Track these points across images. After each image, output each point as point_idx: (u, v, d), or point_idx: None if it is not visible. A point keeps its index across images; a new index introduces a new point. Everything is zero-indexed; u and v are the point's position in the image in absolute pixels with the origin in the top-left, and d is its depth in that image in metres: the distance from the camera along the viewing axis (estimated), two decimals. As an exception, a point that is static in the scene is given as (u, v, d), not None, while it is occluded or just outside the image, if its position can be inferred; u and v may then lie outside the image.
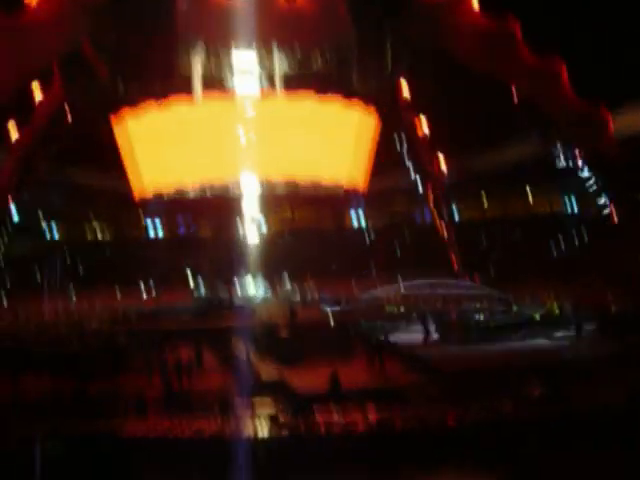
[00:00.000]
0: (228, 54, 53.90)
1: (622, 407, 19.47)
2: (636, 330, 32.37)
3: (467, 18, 48.88)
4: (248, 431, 19.00)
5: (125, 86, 52.70)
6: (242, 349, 33.49)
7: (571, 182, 64.91)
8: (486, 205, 77.61)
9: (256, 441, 18.66)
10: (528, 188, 73.51)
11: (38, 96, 54.10)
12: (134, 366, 28.51)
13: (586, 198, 68.76)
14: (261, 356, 32.17)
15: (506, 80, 49.85)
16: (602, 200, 59.80)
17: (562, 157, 52.91)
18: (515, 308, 41.24)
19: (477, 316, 38.71)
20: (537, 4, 52.63)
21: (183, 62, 53.18)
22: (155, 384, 26.44)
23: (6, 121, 52.98)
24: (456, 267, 61.64)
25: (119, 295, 57.49)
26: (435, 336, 35.59)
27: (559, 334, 34.69)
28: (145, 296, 57.45)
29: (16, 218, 59.99)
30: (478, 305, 42.55)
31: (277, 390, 26.03)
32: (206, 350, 32.50)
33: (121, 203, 62.20)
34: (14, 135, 54.62)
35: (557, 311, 39.17)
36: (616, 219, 51.82)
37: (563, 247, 64.91)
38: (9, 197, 57.29)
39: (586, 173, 53.10)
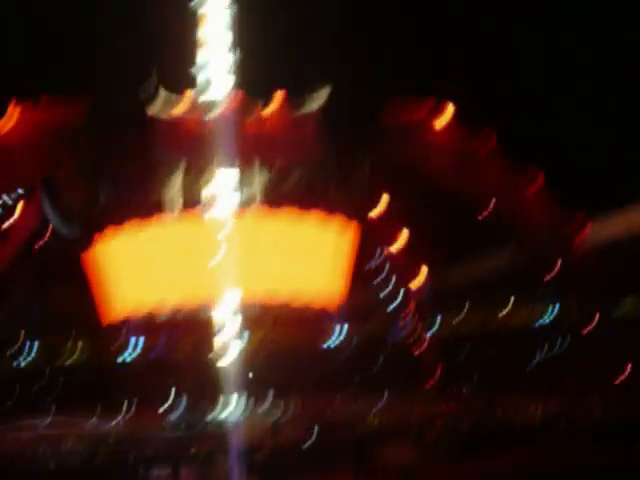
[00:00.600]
0: (206, 174, 54.58)
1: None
2: (622, 438, 32.20)
3: (437, 136, 49.95)
4: None
5: (105, 206, 52.95)
6: (224, 470, 32.82)
7: (548, 292, 65.52)
8: (465, 316, 77.97)
9: None
10: (505, 298, 74.12)
11: (15, 215, 54.10)
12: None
13: (563, 307, 69.38)
14: (245, 477, 31.47)
15: (479, 195, 50.65)
16: (579, 309, 60.30)
17: (538, 267, 53.39)
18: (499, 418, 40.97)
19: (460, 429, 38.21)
20: (513, 115, 54.10)
21: (161, 181, 53.75)
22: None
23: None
24: (438, 379, 61.25)
25: (97, 416, 56.50)
26: (421, 451, 35.05)
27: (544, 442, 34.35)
28: (123, 417, 56.43)
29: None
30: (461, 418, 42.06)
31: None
32: (187, 473, 31.80)
33: (98, 324, 61.70)
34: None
35: (541, 420, 38.98)
36: (592, 328, 51.97)
37: (542, 356, 65.01)
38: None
39: (562, 283, 53.55)
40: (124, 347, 74.89)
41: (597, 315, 52.26)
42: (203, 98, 52.75)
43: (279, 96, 47.64)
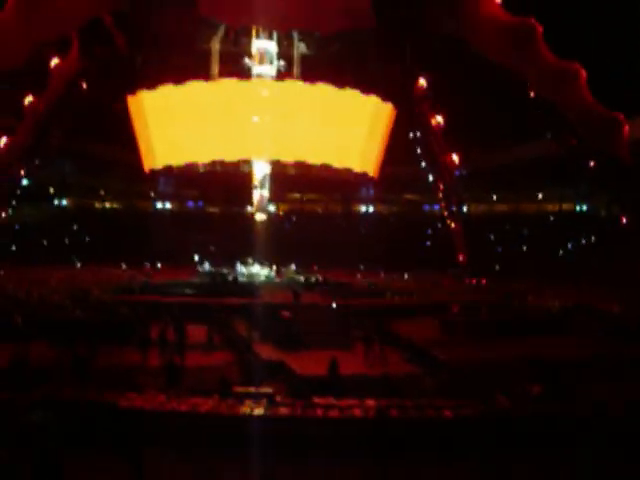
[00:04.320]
0: (247, 36, 53.93)
1: (621, 412, 19.44)
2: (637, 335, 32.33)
3: (489, 10, 48.50)
4: (245, 409, 19.05)
5: (142, 60, 52.70)
6: (243, 328, 33.62)
7: (583, 184, 65.06)
8: (496, 201, 77.91)
9: (252, 420, 18.72)
10: (540, 187, 73.82)
11: (54, 63, 53.96)
12: (135, 339, 28.51)
13: (597, 201, 68.96)
14: (262, 337, 32.19)
15: (525, 77, 49.59)
16: (613, 204, 59.96)
17: (576, 159, 52.75)
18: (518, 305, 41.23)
19: (480, 311, 38.49)
20: (558, 9, 52.49)
21: (202, 41, 53.22)
22: (155, 358, 26.53)
23: (22, 86, 52.84)
24: (463, 260, 61.65)
25: (125, 267, 57.73)
26: (438, 328, 35.53)
27: (562, 333, 34.57)
28: (151, 269, 57.62)
29: (25, 183, 60.00)
30: (481, 301, 42.34)
31: (276, 372, 26.10)
32: (208, 327, 32.56)
33: (131, 175, 62.28)
34: (28, 101, 54.58)
35: (560, 310, 39.17)
36: (625, 223, 51.67)
37: (571, 247, 65.07)
38: (21, 163, 57.30)
39: (599, 176, 52.94)
40: (155, 200, 76.04)
41: (629, 211, 51.72)
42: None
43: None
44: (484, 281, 55.05)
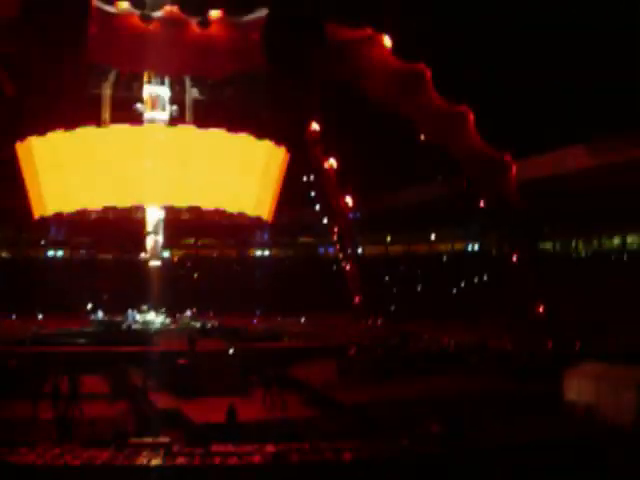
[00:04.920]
0: (138, 81, 53.58)
1: (521, 449, 19.79)
2: (531, 372, 33.11)
3: (379, 57, 49.45)
4: (141, 460, 18.64)
5: (30, 105, 51.69)
6: (139, 377, 33.00)
7: (474, 224, 66.77)
8: (390, 242, 79.20)
9: (149, 470, 18.33)
10: (432, 228, 75.48)
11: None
12: (26, 391, 27.66)
13: (487, 240, 70.91)
14: (158, 386, 31.68)
15: (414, 121, 50.68)
16: (502, 242, 61.55)
17: (465, 199, 54.04)
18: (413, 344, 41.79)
19: (377, 351, 38.81)
20: (448, 52, 54.11)
21: (92, 86, 52.57)
22: (47, 411, 25.78)
23: None
24: (359, 302, 62.09)
25: (14, 317, 56.14)
26: (335, 371, 35.61)
27: (456, 370, 35.15)
28: (42, 319, 56.19)
29: None
30: (378, 341, 42.74)
31: (173, 420, 25.70)
32: (102, 377, 31.89)
33: (21, 223, 60.86)
34: None
35: (454, 348, 39.91)
36: (514, 261, 53.00)
37: (464, 286, 66.41)
38: None
39: (488, 215, 54.33)
40: (52, 244, 74.45)
41: (519, 250, 53.20)
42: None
43: (218, 11, 46.42)
44: (380, 322, 55.66)
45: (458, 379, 33.16)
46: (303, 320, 58.10)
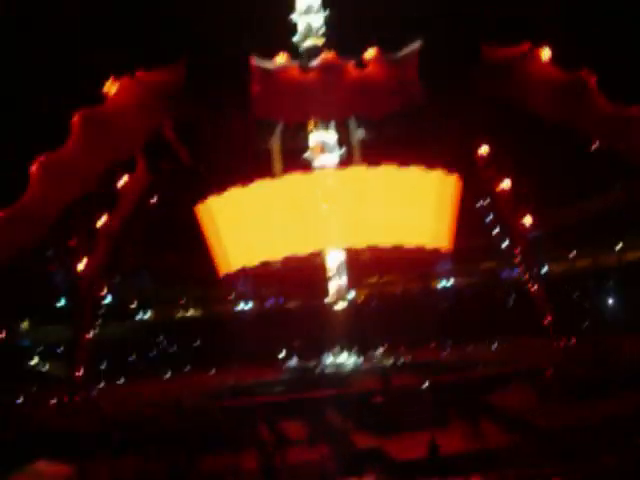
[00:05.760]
0: (304, 129, 54.96)
1: None
2: None
3: (540, 70, 48.60)
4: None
5: (206, 167, 53.85)
6: (337, 419, 33.36)
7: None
8: (575, 257, 76.69)
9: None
10: (617, 237, 72.58)
11: (122, 182, 55.43)
12: (231, 442, 28.51)
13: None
14: (357, 425, 31.91)
15: (584, 130, 49.29)
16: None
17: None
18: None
19: (576, 371, 37.63)
20: (611, 54, 52.36)
21: (261, 141, 54.29)
22: (252, 459, 26.45)
23: (94, 208, 54.37)
24: (548, 323, 60.45)
25: (212, 372, 58.04)
26: (533, 395, 34.80)
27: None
28: (238, 371, 57.76)
29: (108, 301, 61.11)
30: (575, 360, 41.43)
31: (375, 460, 25.77)
32: (301, 422, 32.41)
33: (208, 282, 62.98)
34: (101, 221, 55.99)
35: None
36: None
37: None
38: (102, 281, 58.50)
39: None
40: (240, 298, 76.65)
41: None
42: (304, 44, 53.97)
43: (373, 50, 47.09)
44: (574, 340, 53.97)
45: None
46: (495, 346, 57.05)
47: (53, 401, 46.33)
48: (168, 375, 59.83)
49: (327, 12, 54.98)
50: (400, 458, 25.10)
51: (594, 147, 50.03)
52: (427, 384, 36.83)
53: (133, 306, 74.52)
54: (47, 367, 64.09)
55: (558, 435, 25.92)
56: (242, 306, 78.73)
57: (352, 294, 63.00)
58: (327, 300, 58.12)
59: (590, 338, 50.62)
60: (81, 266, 54.01)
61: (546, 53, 47.42)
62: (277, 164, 53.90)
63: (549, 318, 60.29)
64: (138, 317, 75.74)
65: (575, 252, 76.51)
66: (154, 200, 56.96)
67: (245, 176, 50.07)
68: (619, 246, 74.81)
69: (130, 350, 66.13)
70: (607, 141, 48.67)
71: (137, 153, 53.44)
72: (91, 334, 57.13)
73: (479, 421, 28.53)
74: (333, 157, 54.57)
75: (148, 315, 76.94)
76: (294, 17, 55.25)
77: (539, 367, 39.89)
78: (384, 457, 26.07)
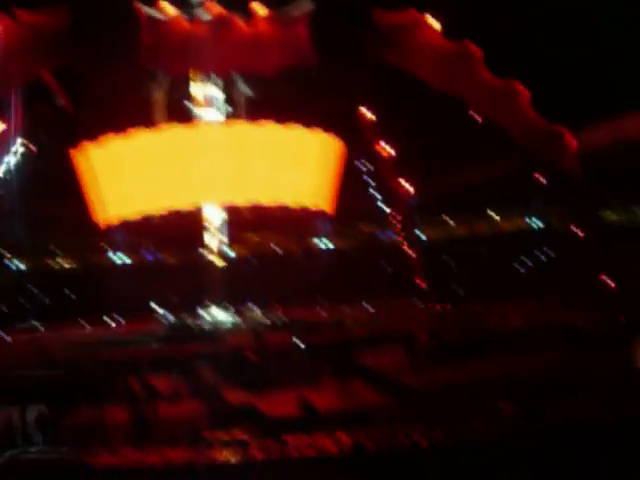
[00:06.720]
0: (189, 82, 54.08)
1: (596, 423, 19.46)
2: (601, 345, 32.60)
3: (428, 39, 49.24)
4: (219, 458, 18.79)
5: (85, 116, 52.46)
6: (210, 376, 33.29)
7: (535, 201, 65.92)
8: (452, 225, 78.44)
9: (228, 468, 18.47)
10: (492, 207, 74.56)
11: (-3, 127, 53.52)
12: (102, 396, 28.10)
13: (550, 216, 69.90)
14: (230, 382, 31.91)
15: (467, 101, 50.30)
16: (566, 218, 60.65)
17: (525, 176, 53.46)
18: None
19: (447, 335, 38.54)
20: (498, 28, 53.29)
21: (145, 91, 53.15)
22: (123, 414, 26.15)
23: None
24: (424, 287, 61.78)
25: (86, 325, 57.05)
26: (405, 356, 35.47)
27: (526, 350, 34.71)
28: (112, 325, 57.06)
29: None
30: (447, 324, 42.48)
31: (247, 416, 25.84)
32: (174, 378, 32.20)
33: (85, 232, 61.70)
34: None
35: (525, 327, 39.40)
36: (580, 236, 52.28)
37: (530, 265, 65.68)
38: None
39: (550, 191, 53.67)
40: (111, 255, 75.45)
41: (583, 225, 52.48)
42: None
43: (263, 6, 46.69)
44: (447, 305, 55.28)
45: (527, 357, 32.72)
46: (369, 308, 57.91)
47: None
48: (40, 327, 58.52)
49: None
50: (271, 414, 25.24)
51: (476, 117, 51.19)
52: (301, 342, 37.10)
53: (6, 254, 72.44)
54: None
55: (426, 395, 26.53)
56: (120, 259, 77.58)
57: (231, 251, 62.88)
58: (206, 256, 57.82)
59: (463, 304, 52.19)
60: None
61: (434, 22, 48.09)
62: (160, 115, 52.97)
63: (424, 283, 61.74)
64: (11, 266, 73.71)
65: (453, 220, 78.31)
66: (30, 146, 55.34)
67: (126, 125, 49.08)
68: (495, 216, 76.99)
69: (0, 299, 64.29)
70: (487, 112, 49.88)
71: (13, 96, 51.62)
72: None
73: (351, 380, 28.95)
74: (218, 112, 53.93)
75: (21, 265, 74.94)
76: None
77: (412, 329, 40.69)
78: (255, 413, 26.16)
